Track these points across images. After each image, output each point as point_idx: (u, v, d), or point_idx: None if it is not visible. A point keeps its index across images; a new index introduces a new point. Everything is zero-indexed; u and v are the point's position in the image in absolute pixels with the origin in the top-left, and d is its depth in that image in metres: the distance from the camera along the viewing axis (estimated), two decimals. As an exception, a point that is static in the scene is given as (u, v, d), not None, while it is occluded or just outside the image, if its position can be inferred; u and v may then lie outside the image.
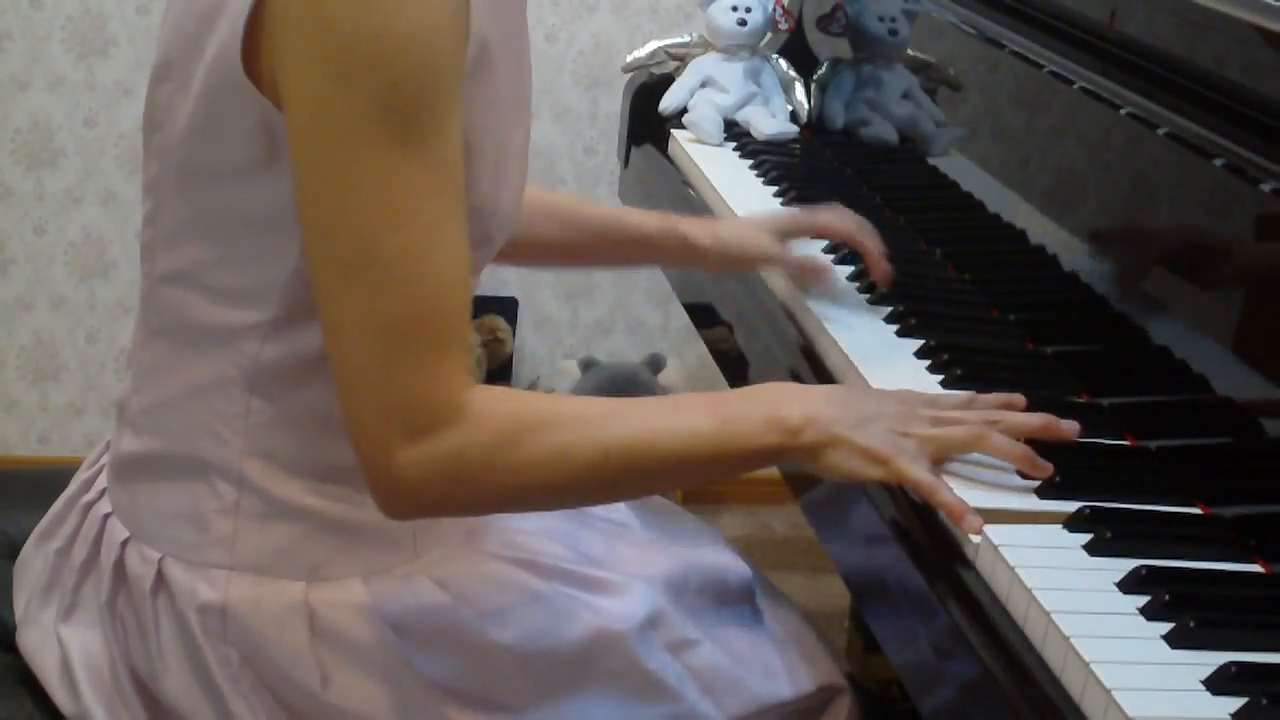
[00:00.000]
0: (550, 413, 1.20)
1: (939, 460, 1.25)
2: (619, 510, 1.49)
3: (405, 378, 1.13)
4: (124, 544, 1.29)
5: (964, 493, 1.22)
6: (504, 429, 1.16)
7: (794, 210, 1.70)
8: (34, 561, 1.37)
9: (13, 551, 1.43)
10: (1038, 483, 1.26)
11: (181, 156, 1.22)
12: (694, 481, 1.34)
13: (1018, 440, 1.26)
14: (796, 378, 1.57)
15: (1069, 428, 1.28)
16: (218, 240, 1.23)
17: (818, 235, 1.71)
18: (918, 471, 1.21)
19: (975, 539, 1.20)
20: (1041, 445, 1.29)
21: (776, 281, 1.72)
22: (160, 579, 1.27)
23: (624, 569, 1.38)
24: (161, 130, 1.24)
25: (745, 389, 1.30)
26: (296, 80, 1.12)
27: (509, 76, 1.24)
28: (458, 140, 1.14)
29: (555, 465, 1.18)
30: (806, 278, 1.66)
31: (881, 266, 1.63)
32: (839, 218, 1.67)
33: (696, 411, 1.23)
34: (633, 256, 1.73)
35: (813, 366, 1.56)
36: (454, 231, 1.14)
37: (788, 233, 1.67)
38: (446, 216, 1.14)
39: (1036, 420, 1.28)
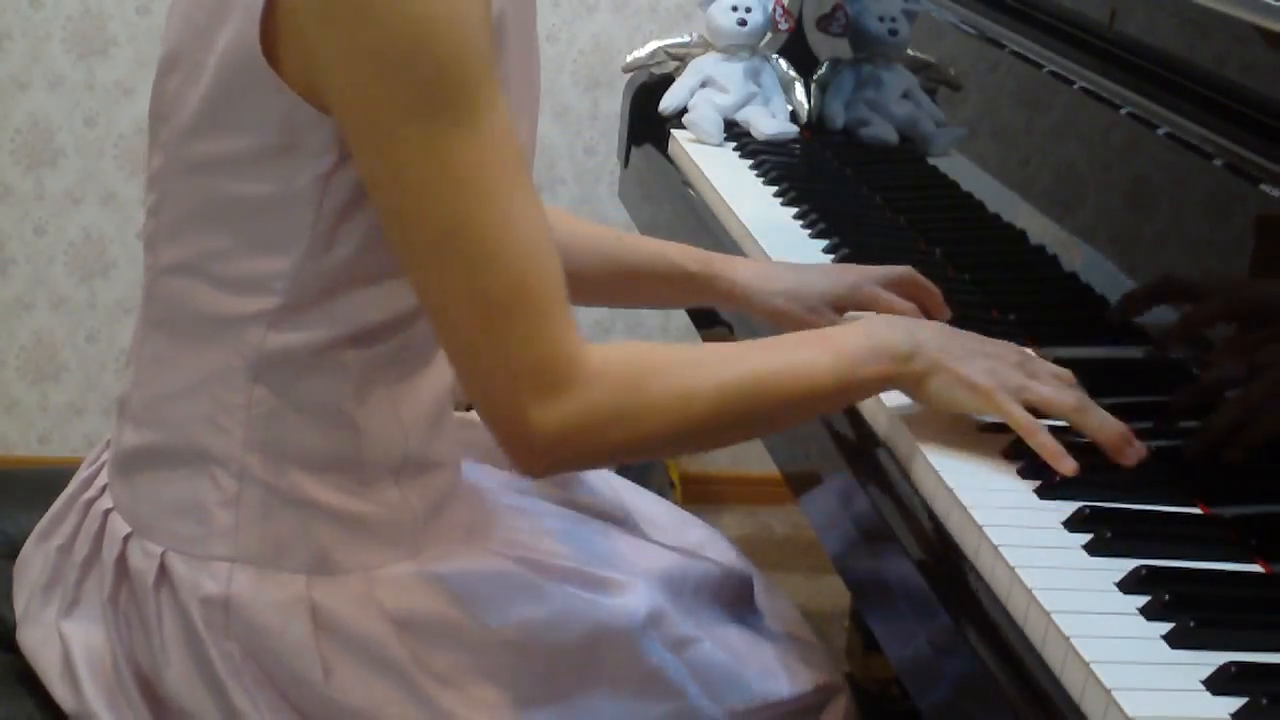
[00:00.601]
0: (667, 359, 1.23)
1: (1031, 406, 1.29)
2: (619, 510, 1.49)
3: (521, 344, 1.16)
4: (125, 539, 1.29)
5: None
6: (626, 378, 1.19)
7: (855, 277, 1.54)
8: (34, 560, 1.37)
9: (13, 551, 1.43)
10: (1038, 483, 1.26)
11: (190, 146, 1.23)
12: (811, 413, 1.38)
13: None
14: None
15: (1137, 451, 1.29)
16: (225, 229, 1.23)
17: (881, 312, 1.53)
18: (1017, 409, 1.27)
19: (972, 538, 1.21)
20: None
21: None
22: (162, 573, 1.27)
23: (624, 567, 1.38)
24: (169, 121, 1.25)
25: (844, 326, 1.34)
26: (342, 77, 1.13)
27: (519, 64, 1.25)
28: (507, 113, 1.16)
29: (680, 409, 1.21)
30: None
31: (936, 306, 1.55)
32: (902, 300, 1.53)
33: (808, 346, 1.28)
34: (671, 298, 1.66)
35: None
36: (529, 196, 1.17)
37: (846, 303, 1.54)
38: (517, 185, 1.16)
39: (1117, 427, 1.29)
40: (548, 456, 1.20)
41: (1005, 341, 1.36)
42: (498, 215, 1.14)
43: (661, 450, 1.30)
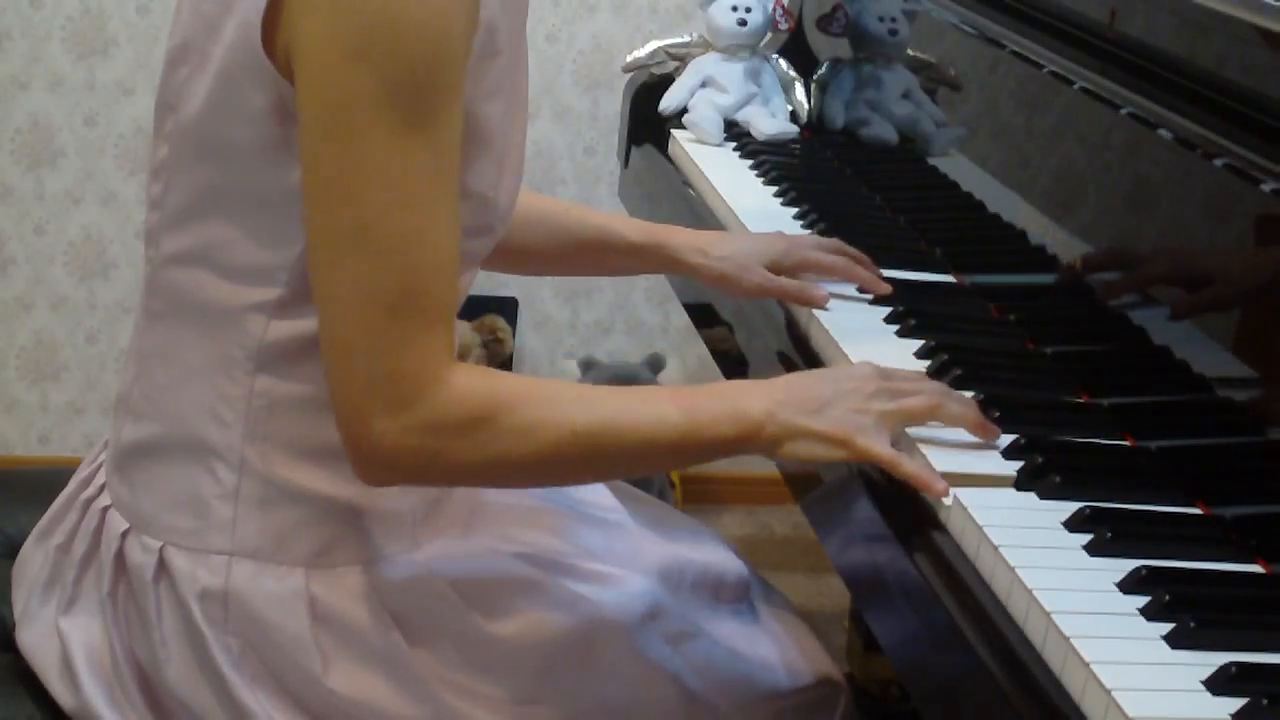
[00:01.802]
0: (524, 393, 1.23)
1: (898, 428, 1.29)
2: (616, 508, 1.49)
3: (391, 350, 1.17)
4: (124, 535, 1.30)
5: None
6: (479, 405, 1.20)
7: (787, 244, 1.65)
8: (33, 559, 1.37)
9: (12, 551, 1.43)
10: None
11: (198, 136, 1.24)
12: (658, 468, 1.40)
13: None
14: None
15: (993, 430, 1.31)
16: (230, 219, 1.24)
17: (812, 271, 1.66)
18: (879, 447, 1.26)
19: (972, 538, 1.20)
20: (1040, 443, 1.29)
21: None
22: (161, 567, 1.27)
23: (622, 563, 1.39)
24: (176, 111, 1.26)
25: (711, 385, 1.33)
26: (311, 57, 1.14)
27: (511, 70, 1.26)
28: (458, 126, 1.18)
29: (525, 443, 1.21)
30: (805, 305, 1.62)
31: (880, 288, 1.63)
32: (831, 257, 1.64)
33: (664, 402, 1.27)
34: (618, 267, 1.73)
35: (812, 367, 1.56)
36: (449, 213, 1.18)
37: (783, 269, 1.64)
38: (443, 198, 1.17)
39: (973, 411, 1.31)
40: (384, 468, 1.21)
41: (860, 367, 1.33)
42: (413, 221, 1.16)
43: (501, 480, 1.30)
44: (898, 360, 1.49)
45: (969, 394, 1.38)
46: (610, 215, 1.70)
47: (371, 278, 1.16)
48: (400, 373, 1.17)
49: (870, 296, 1.64)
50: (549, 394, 1.24)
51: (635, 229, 1.68)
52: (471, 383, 1.20)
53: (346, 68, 1.13)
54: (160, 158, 1.29)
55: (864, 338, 1.54)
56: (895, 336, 1.56)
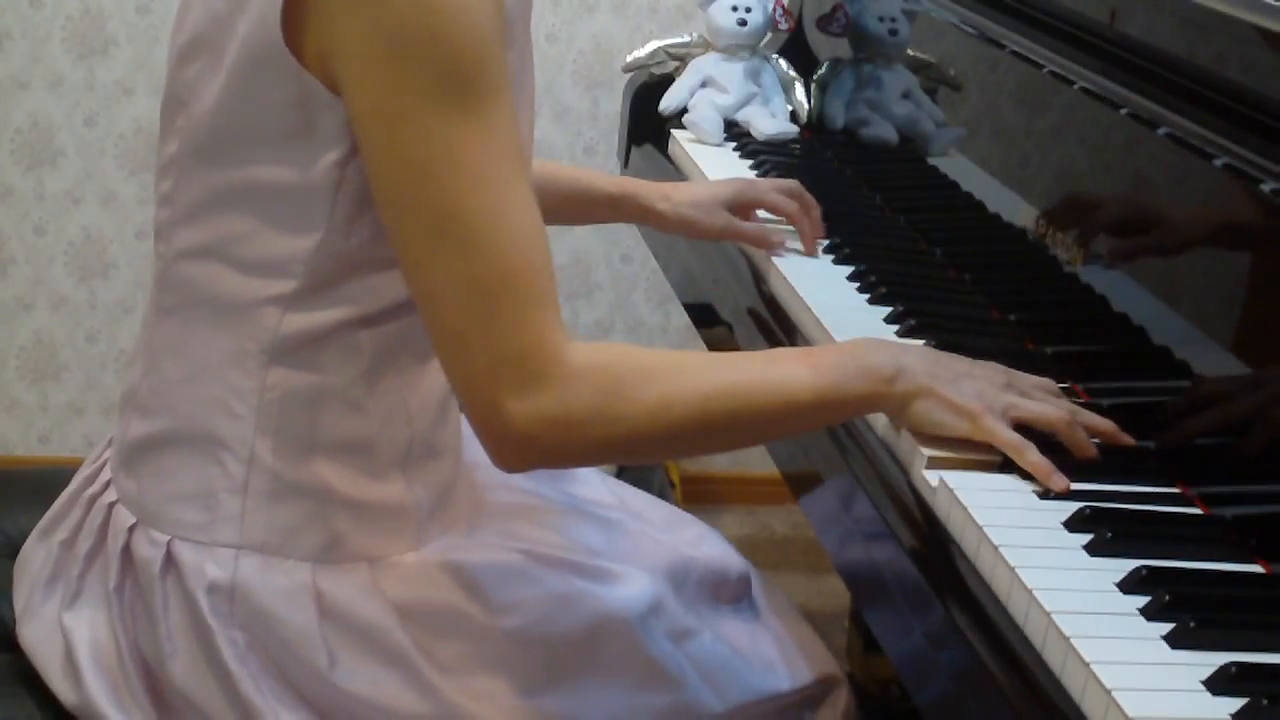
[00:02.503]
0: (650, 364, 1.23)
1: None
2: (618, 507, 1.50)
3: (505, 333, 1.16)
4: (131, 529, 1.30)
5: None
6: (607, 380, 1.19)
7: (743, 184, 1.81)
8: (35, 556, 1.37)
9: (13, 551, 1.43)
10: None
11: (211, 130, 1.24)
12: (791, 430, 1.39)
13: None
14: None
15: (1125, 439, 1.33)
16: (246, 212, 1.24)
17: (764, 209, 1.81)
18: (1005, 431, 1.27)
19: (972, 538, 1.21)
20: (1040, 442, 1.29)
21: (777, 281, 1.72)
22: (169, 561, 1.28)
23: (625, 560, 1.39)
24: (188, 107, 1.26)
25: (836, 343, 1.36)
26: (357, 62, 1.15)
27: (521, 62, 1.27)
28: (511, 106, 1.18)
29: (658, 415, 1.20)
30: (759, 247, 1.77)
31: (809, 245, 1.77)
32: (784, 198, 1.78)
33: (792, 362, 1.28)
34: (595, 218, 1.86)
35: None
36: (525, 190, 1.18)
37: (738, 206, 1.78)
38: (515, 177, 1.17)
39: (1106, 424, 1.33)
40: (522, 450, 1.20)
41: (990, 363, 1.35)
42: (493, 203, 1.15)
43: (637, 454, 1.29)
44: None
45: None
46: (588, 171, 1.83)
47: (466, 266, 1.15)
48: (520, 353, 1.16)
49: (870, 296, 1.64)
50: (674, 363, 1.25)
51: (609, 181, 1.80)
52: (596, 355, 1.20)
53: (394, 66, 1.14)
54: (169, 154, 1.29)
55: (864, 338, 1.53)
56: (896, 337, 1.56)
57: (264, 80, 1.20)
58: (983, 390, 1.29)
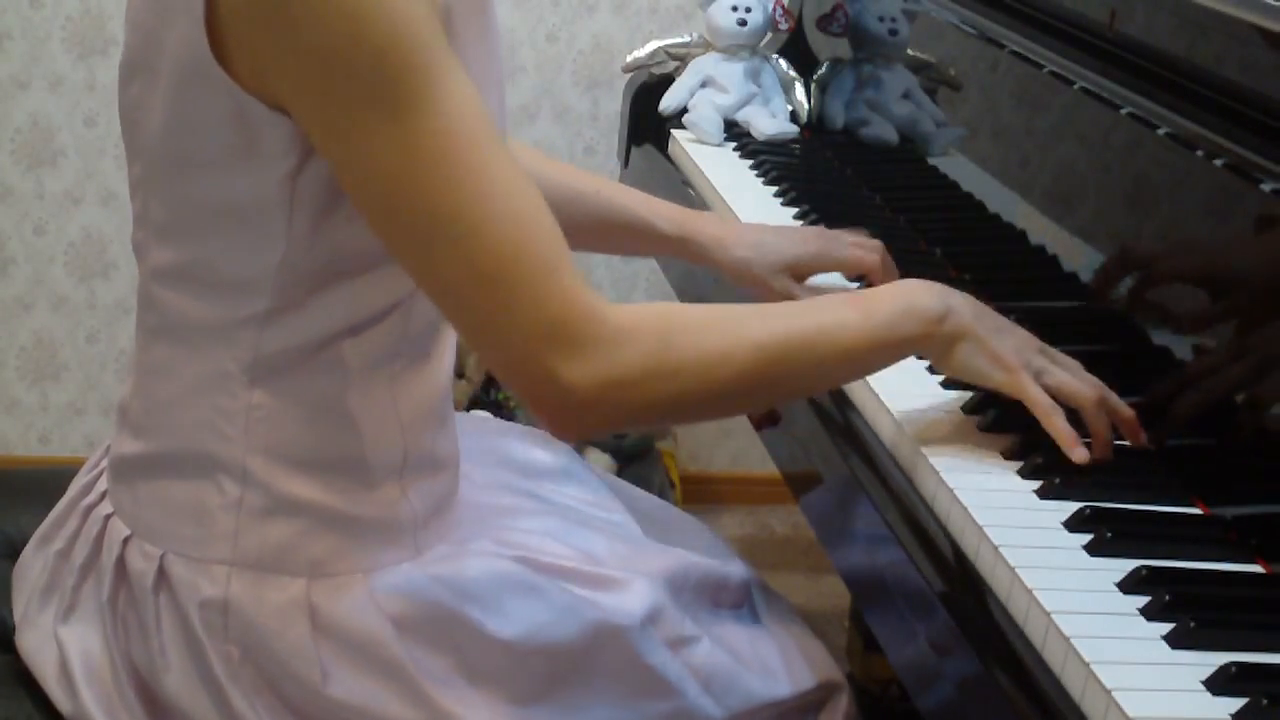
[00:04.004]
0: (699, 316, 1.22)
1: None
2: (618, 510, 1.49)
3: (530, 309, 1.14)
4: (125, 542, 1.29)
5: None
6: (658, 334, 1.17)
7: (817, 242, 1.62)
8: (33, 564, 1.37)
9: (13, 552, 1.43)
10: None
11: (161, 152, 1.22)
12: (845, 377, 1.38)
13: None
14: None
15: (1143, 436, 1.33)
16: (206, 234, 1.22)
17: (839, 270, 1.64)
18: (1038, 390, 1.28)
19: (972, 538, 1.21)
20: (1040, 443, 1.29)
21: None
22: (162, 575, 1.27)
23: (623, 566, 1.38)
24: (140, 127, 1.24)
25: (878, 288, 1.34)
26: (290, 79, 1.12)
27: (473, 49, 1.23)
28: (466, 82, 1.14)
29: (713, 366, 1.19)
30: None
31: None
32: (862, 254, 1.60)
33: (840, 307, 1.27)
34: (646, 252, 1.76)
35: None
36: (506, 164, 1.14)
37: (809, 269, 1.61)
38: (491, 154, 1.14)
39: (1129, 412, 1.32)
40: (584, 414, 1.17)
41: (1027, 331, 1.35)
42: (474, 191, 1.13)
43: (697, 411, 1.27)
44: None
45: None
46: (639, 199, 1.67)
47: (469, 257, 1.13)
48: (554, 322, 1.14)
49: None
50: (723, 314, 1.23)
51: (667, 219, 1.65)
52: (641, 312, 1.18)
53: (324, 81, 1.11)
54: (135, 175, 1.27)
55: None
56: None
57: (200, 98, 1.17)
58: (1020, 347, 1.30)
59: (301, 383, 1.24)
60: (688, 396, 1.20)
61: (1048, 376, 1.30)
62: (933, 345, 1.30)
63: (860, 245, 1.61)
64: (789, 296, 1.58)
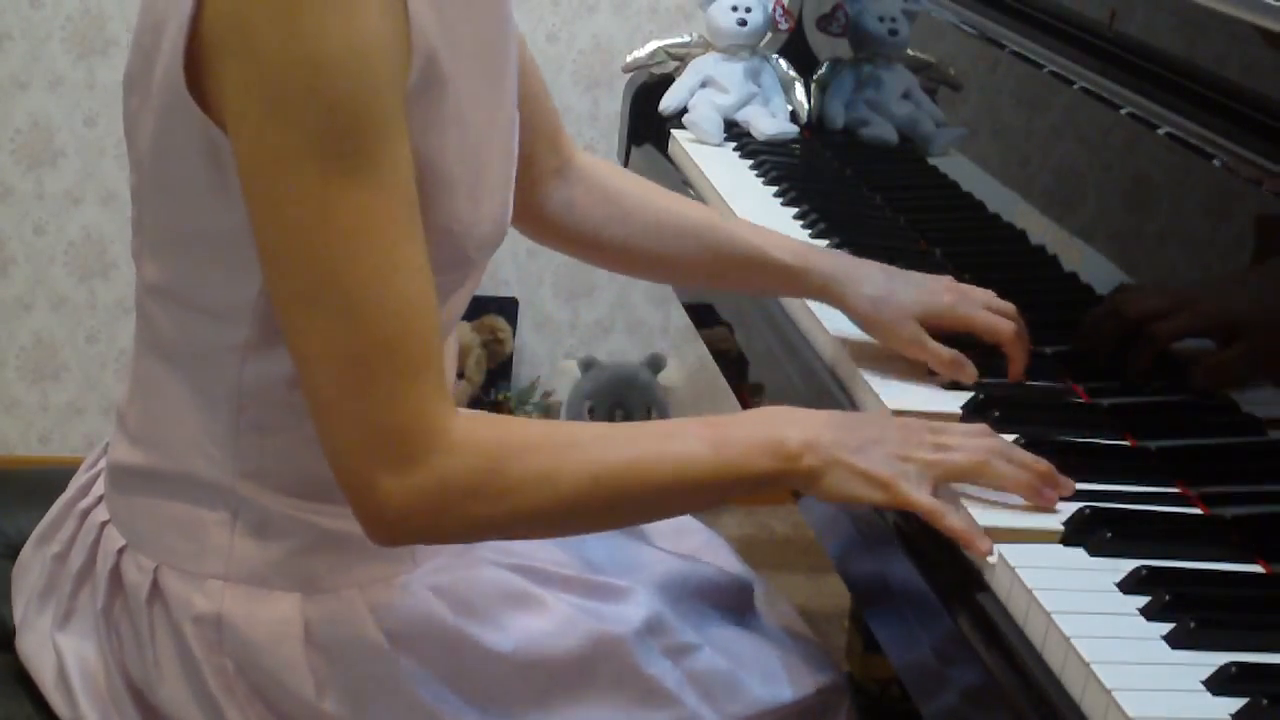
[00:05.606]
0: (536, 437, 1.18)
1: (941, 485, 1.23)
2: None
3: (379, 407, 1.11)
4: (120, 552, 1.28)
5: (972, 509, 1.22)
6: (487, 455, 1.14)
7: (949, 296, 1.50)
8: (32, 565, 1.36)
9: (13, 551, 1.43)
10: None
11: (150, 171, 1.21)
12: (689, 508, 1.32)
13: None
14: (796, 379, 1.57)
15: (1066, 485, 1.25)
16: (188, 258, 1.22)
17: (969, 331, 1.50)
18: (921, 496, 1.20)
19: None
20: (1041, 443, 1.29)
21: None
22: (156, 588, 1.26)
23: (624, 573, 1.38)
24: (134, 140, 1.23)
25: (744, 413, 1.28)
26: (236, 110, 1.10)
27: (472, 89, 1.20)
28: (407, 160, 1.12)
29: (543, 491, 1.15)
30: (945, 373, 1.47)
31: (1017, 372, 1.48)
32: (997, 321, 1.48)
33: (690, 437, 1.20)
34: (764, 290, 1.65)
35: (812, 367, 1.56)
36: (413, 254, 1.12)
37: (940, 323, 1.49)
38: (403, 239, 1.11)
39: (1042, 464, 1.24)
40: (397, 529, 1.15)
41: (912, 419, 1.28)
42: (374, 269, 1.10)
43: (528, 533, 1.23)
44: (896, 359, 1.49)
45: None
46: (761, 234, 1.57)
47: (343, 334, 1.10)
48: (396, 429, 1.11)
49: None
50: (563, 437, 1.19)
51: (790, 251, 1.54)
52: (477, 431, 1.14)
53: (268, 118, 1.08)
54: (134, 183, 1.26)
55: (864, 337, 1.53)
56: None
57: (178, 128, 1.15)
58: (895, 455, 1.21)
59: (287, 411, 1.22)
60: (514, 518, 1.16)
61: (936, 469, 1.21)
62: (793, 480, 1.21)
63: (995, 309, 1.49)
64: (917, 344, 1.47)
